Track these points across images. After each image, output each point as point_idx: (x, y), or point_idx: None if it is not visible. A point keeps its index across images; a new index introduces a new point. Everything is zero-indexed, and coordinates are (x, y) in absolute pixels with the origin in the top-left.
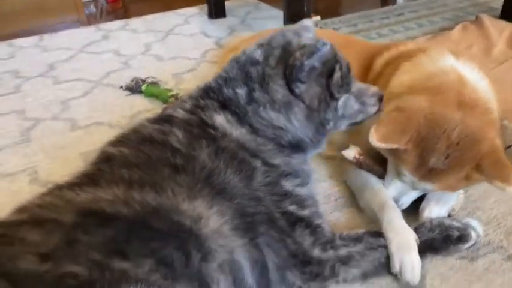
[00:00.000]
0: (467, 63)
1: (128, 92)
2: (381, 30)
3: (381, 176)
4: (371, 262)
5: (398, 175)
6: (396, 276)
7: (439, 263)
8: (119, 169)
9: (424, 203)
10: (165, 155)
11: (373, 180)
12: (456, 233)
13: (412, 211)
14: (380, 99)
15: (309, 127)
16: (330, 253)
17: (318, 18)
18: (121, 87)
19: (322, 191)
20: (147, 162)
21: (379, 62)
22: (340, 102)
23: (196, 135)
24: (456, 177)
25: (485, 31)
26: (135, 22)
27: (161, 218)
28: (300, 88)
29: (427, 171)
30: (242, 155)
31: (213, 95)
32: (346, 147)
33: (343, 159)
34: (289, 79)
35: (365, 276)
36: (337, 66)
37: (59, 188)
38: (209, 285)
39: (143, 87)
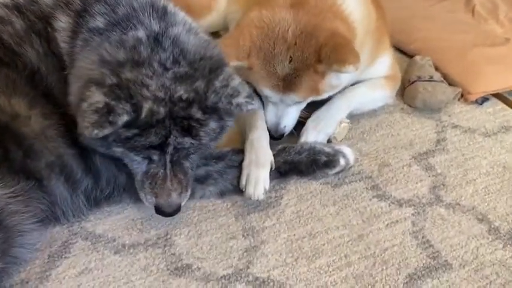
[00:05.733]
0: None
1: None
2: None
3: None
4: (230, 180)
5: (265, 98)
6: (243, 191)
7: (302, 186)
8: None
9: (303, 129)
10: None
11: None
12: (324, 158)
13: None
14: None
15: None
16: None
17: None
18: None
19: None
20: None
21: None
22: None
23: (35, 30)
24: (310, 78)
25: None
26: None
27: None
28: None
29: (282, 82)
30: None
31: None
32: None
33: None
34: None
35: (222, 194)
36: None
37: None
38: (39, 179)
39: None
